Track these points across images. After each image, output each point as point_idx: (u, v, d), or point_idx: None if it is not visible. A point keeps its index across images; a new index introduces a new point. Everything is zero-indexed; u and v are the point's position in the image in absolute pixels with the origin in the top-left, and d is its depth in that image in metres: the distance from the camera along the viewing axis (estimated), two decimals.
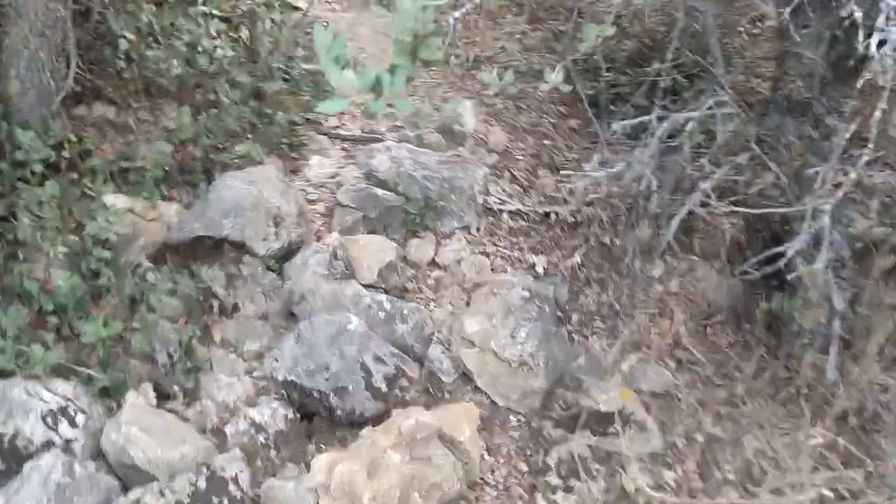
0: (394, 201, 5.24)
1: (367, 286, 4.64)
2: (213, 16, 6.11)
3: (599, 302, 5.00)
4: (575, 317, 4.91)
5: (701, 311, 4.90)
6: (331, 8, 8.08)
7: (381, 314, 4.46)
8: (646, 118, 4.32)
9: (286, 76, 5.88)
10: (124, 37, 5.18)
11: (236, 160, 5.15)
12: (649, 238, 5.05)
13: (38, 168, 4.46)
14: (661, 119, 4.65)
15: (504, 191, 5.74)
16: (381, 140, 5.98)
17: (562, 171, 5.94)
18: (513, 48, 7.19)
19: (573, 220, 5.45)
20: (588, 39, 2.40)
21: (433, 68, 7.28)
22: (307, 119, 5.96)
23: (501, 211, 5.54)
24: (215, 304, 4.46)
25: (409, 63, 2.01)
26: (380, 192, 5.23)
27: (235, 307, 4.50)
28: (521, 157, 6.10)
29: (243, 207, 4.64)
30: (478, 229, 5.41)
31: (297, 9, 7.62)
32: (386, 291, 4.69)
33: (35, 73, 4.65)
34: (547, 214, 5.54)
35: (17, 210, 4.31)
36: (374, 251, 4.80)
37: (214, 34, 5.80)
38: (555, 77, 2.57)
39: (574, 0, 7.50)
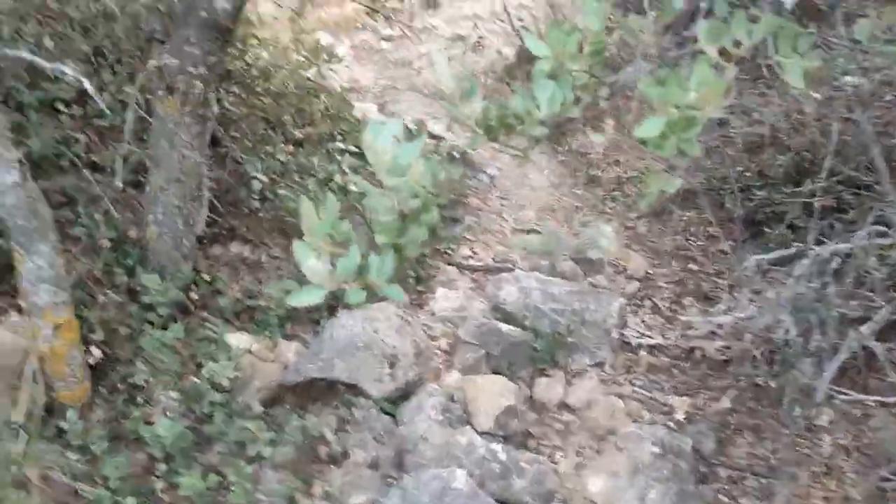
0: (520, 337, 4.92)
1: (483, 433, 4.29)
2: (348, 152, 6.24)
3: (752, 455, 4.34)
4: (722, 472, 4.28)
5: (878, 469, 4.12)
6: (469, 132, 8.09)
7: (496, 467, 4.08)
8: (788, 251, 3.78)
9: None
10: (257, 178, 5.33)
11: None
12: (811, 379, 4.37)
13: (165, 311, 4.56)
14: (818, 243, 4.10)
15: (643, 323, 5.28)
16: (511, 270, 5.74)
17: (710, 301, 5.40)
18: (657, 166, 6.80)
19: (722, 357, 4.86)
20: (648, 196, 2.05)
21: (576, 190, 7.03)
22: (437, 249, 5.84)
23: (640, 346, 5.07)
24: (324, 450, 4.28)
25: (397, 247, 1.74)
26: (505, 327, 4.93)
27: (345, 454, 4.28)
28: (663, 285, 5.62)
29: (356, 347, 4.50)
30: (613, 367, 4.96)
31: (436, 138, 7.71)
32: (505, 439, 4.32)
33: (171, 218, 4.84)
34: (692, 350, 4.99)
35: (140, 354, 4.39)
36: (493, 394, 4.47)
37: (347, 170, 5.89)
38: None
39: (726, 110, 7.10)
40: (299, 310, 5.08)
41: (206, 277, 5.05)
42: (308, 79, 7.23)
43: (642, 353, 5.02)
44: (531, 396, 4.76)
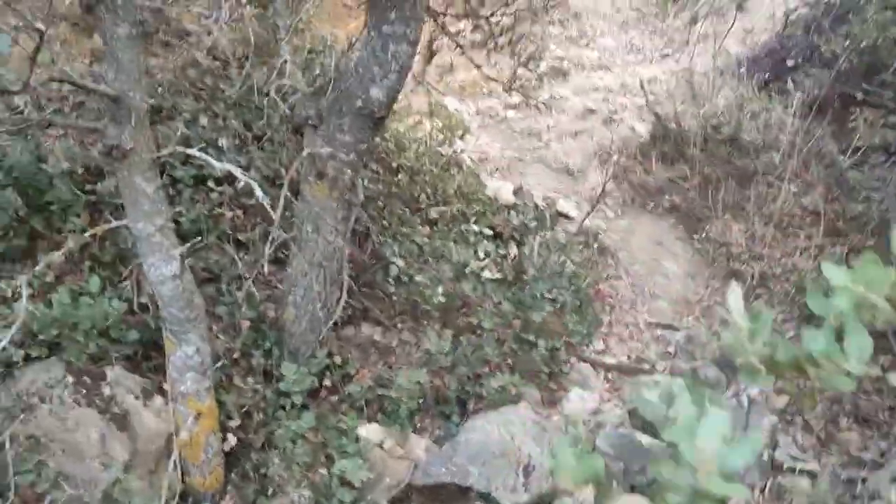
0: (660, 454, 4.60)
1: None
2: (483, 234, 6.13)
3: None
4: None
5: None
6: (605, 216, 7.88)
7: None
8: None
9: (550, 298, 5.63)
10: (394, 263, 5.28)
11: (494, 393, 4.89)
12: None
13: (299, 399, 4.51)
14: None
15: (796, 443, 4.86)
16: (650, 371, 5.45)
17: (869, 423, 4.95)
18: (805, 265, 6.40)
19: None
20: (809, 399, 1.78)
21: (713, 282, 6.69)
22: (568, 343, 5.62)
23: (793, 470, 4.66)
24: None
25: None
26: (644, 439, 4.64)
27: None
28: (818, 402, 5.19)
29: (491, 454, 4.31)
30: (762, 491, 4.57)
31: (567, 217, 7.52)
32: None
33: (309, 301, 4.82)
34: (851, 480, 4.55)
35: (273, 442, 4.34)
36: None
37: (482, 255, 5.77)
38: None
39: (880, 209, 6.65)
40: (428, 402, 4.95)
41: (338, 361, 5.00)
42: (441, 154, 7.22)
43: (796, 477, 4.63)
44: None
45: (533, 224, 6.75)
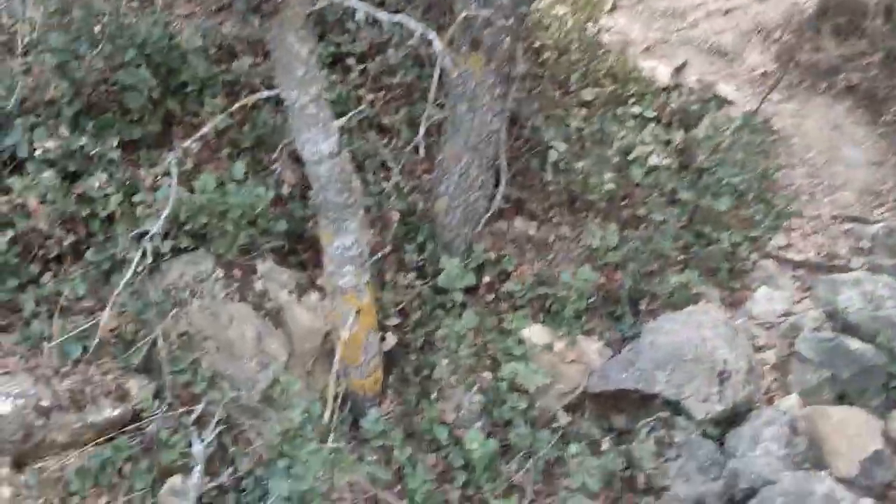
0: (873, 359, 3.99)
1: (845, 482, 3.46)
2: (644, 117, 5.46)
3: None
4: None
5: None
6: (770, 99, 7.00)
7: None
8: None
9: (726, 187, 4.94)
10: (553, 147, 4.70)
11: (670, 292, 4.34)
12: None
13: (459, 297, 4.09)
14: None
15: None
16: (845, 269, 4.76)
17: None
18: None
19: None
20: None
21: None
22: (749, 237, 4.95)
23: None
24: (641, 478, 3.64)
25: None
26: (853, 344, 4.02)
27: (664, 488, 3.62)
28: None
29: (683, 359, 3.79)
30: None
31: (728, 102, 6.72)
32: (873, 494, 3.46)
33: (464, 190, 4.34)
34: None
35: (435, 343, 3.95)
36: (853, 433, 3.61)
37: (648, 139, 5.12)
38: None
39: None
40: (597, 302, 4.45)
41: (493, 256, 4.54)
42: (585, 32, 6.50)
43: None
44: (887, 435, 3.84)
45: (695, 107, 6.00)
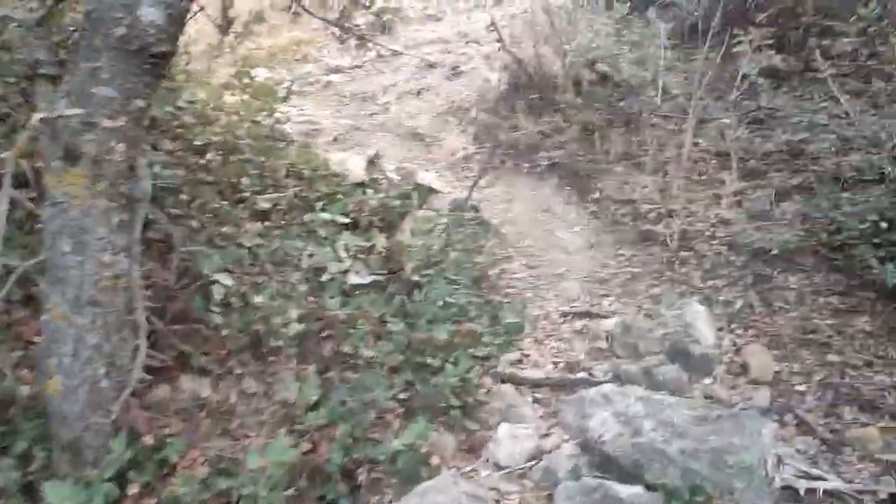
0: (645, 501, 3.22)
1: None
2: (336, 224, 4.46)
3: None
4: None
5: None
6: (470, 184, 6.42)
7: None
8: None
9: (444, 300, 4.07)
10: (218, 281, 3.51)
11: (394, 461, 3.28)
12: None
13: None
14: None
15: (799, 453, 3.64)
16: (589, 381, 4.06)
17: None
18: (731, 216, 5.25)
19: None
20: None
21: (622, 251, 5.41)
22: (477, 357, 4.09)
23: (811, 492, 3.42)
24: None
25: None
26: (622, 491, 3.22)
27: None
28: (803, 389, 4.02)
29: None
30: None
31: (433, 191, 6.00)
32: None
33: (84, 363, 2.98)
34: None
35: None
36: None
37: (343, 253, 4.11)
38: None
39: None
40: (300, 487, 3.27)
41: (150, 443, 3.19)
42: (258, 123, 5.48)
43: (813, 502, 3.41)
44: None
45: (396, 203, 5.16)
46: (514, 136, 6.73)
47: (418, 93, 7.96)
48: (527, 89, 6.97)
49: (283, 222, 4.53)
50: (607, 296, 5.05)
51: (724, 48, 6.35)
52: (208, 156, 4.60)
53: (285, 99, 5.69)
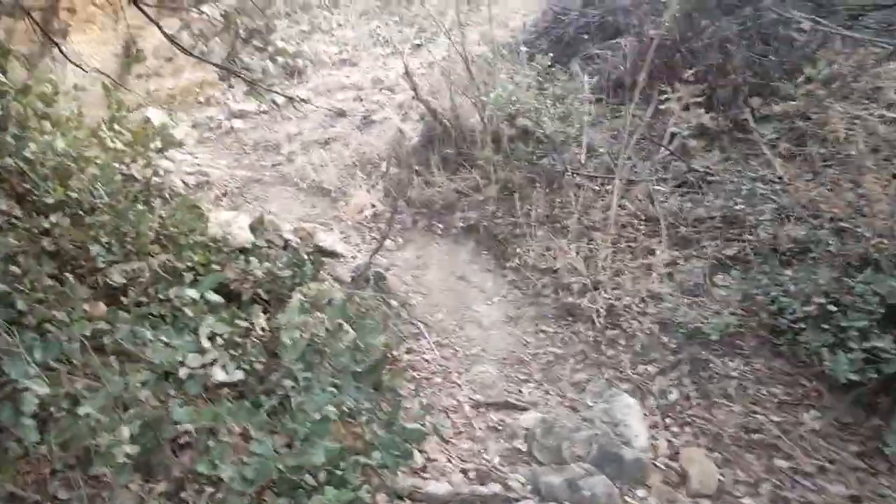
0: None
1: None
2: (206, 302, 3.72)
3: None
4: None
5: None
6: (385, 247, 5.76)
7: None
8: None
9: (327, 406, 3.35)
10: (29, 388, 2.73)
11: None
12: None
13: None
14: None
15: None
16: (504, 497, 3.40)
17: None
18: (661, 289, 4.73)
19: None
20: None
21: (545, 327, 4.83)
22: (362, 465, 3.37)
23: None
24: None
25: None
26: None
27: None
28: (751, 503, 3.45)
29: None
30: None
31: (333, 255, 5.33)
32: None
33: None
34: None
35: None
36: None
37: (206, 340, 3.37)
38: None
39: None
40: None
41: None
42: (131, 177, 4.75)
43: None
44: None
45: (286, 273, 4.45)
46: (428, 193, 6.12)
47: (326, 143, 7.31)
48: (442, 143, 6.40)
49: (142, 300, 3.78)
50: (527, 381, 4.43)
51: (651, 105, 5.92)
52: (54, 217, 3.82)
53: (172, 146, 5.01)
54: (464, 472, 3.61)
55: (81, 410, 2.80)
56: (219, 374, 3.30)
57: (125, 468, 2.74)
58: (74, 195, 4.13)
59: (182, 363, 3.23)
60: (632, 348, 4.47)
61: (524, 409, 4.10)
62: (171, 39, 4.22)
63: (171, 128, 8.31)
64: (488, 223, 5.75)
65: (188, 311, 3.68)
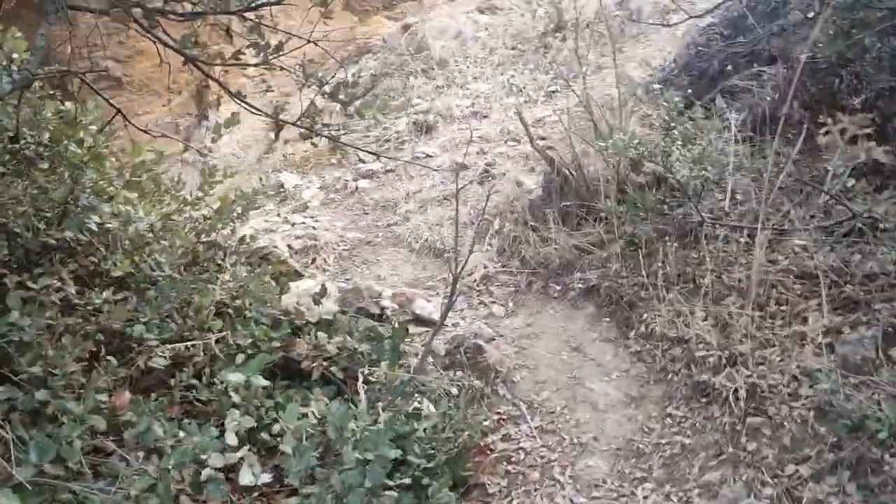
0: None
1: None
2: (248, 387, 3.28)
3: None
4: None
5: None
6: (489, 313, 5.17)
7: None
8: None
9: None
10: None
11: None
12: None
13: None
14: None
15: None
16: None
17: None
18: (818, 363, 3.79)
19: None
20: None
21: (674, 409, 4.03)
22: None
23: None
24: None
25: None
26: None
27: None
28: None
29: None
30: None
31: (430, 323, 4.80)
32: None
33: None
34: None
35: None
36: None
37: (233, 436, 2.91)
38: None
39: None
40: None
41: None
42: (215, 244, 4.49)
43: None
44: None
45: (364, 349, 3.97)
46: (544, 251, 5.48)
47: (444, 200, 6.87)
48: (563, 195, 5.75)
49: (193, 383, 3.42)
50: (644, 481, 3.64)
51: (802, 139, 4.99)
52: (105, 294, 3.56)
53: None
54: None
55: None
56: (245, 477, 2.82)
57: None
58: (144, 267, 3.89)
59: (202, 465, 2.78)
60: (779, 441, 3.57)
61: None
62: (240, 100, 3.90)
63: (304, 195, 8.24)
64: (610, 283, 5.00)
65: (235, 397, 3.24)
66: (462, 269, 4.29)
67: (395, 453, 2.93)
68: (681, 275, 4.80)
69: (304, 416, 3.07)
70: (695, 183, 5.23)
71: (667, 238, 5.07)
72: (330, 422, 3.02)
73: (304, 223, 6.98)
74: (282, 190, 8.42)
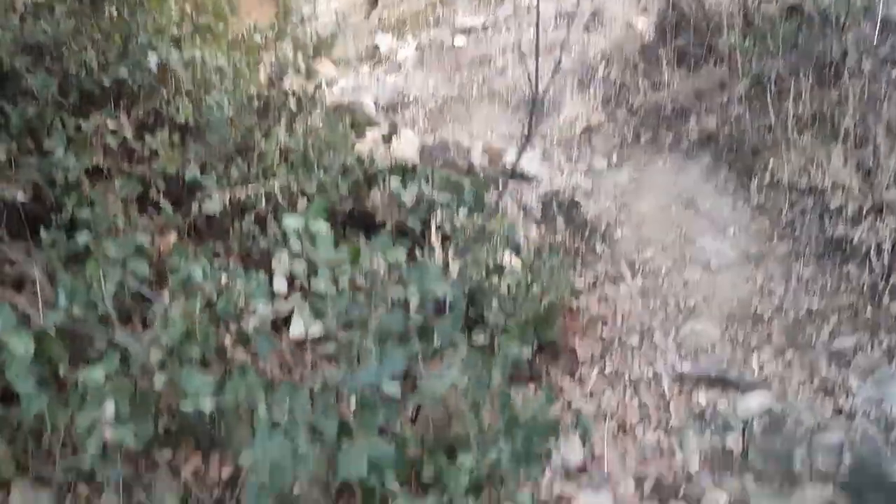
0: None
1: None
2: (308, 235, 2.96)
3: None
4: None
5: None
6: (589, 166, 4.65)
7: None
8: None
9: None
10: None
11: None
12: None
13: None
14: None
15: None
16: None
17: None
18: None
19: None
20: None
21: (801, 269, 3.46)
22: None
23: None
24: None
25: None
26: None
27: None
28: None
29: None
30: None
31: (526, 178, 4.35)
32: None
33: None
34: None
35: None
36: None
37: (283, 283, 2.61)
38: None
39: None
40: None
41: None
42: (287, 93, 4.13)
43: None
44: None
45: (444, 199, 3.56)
46: (655, 98, 4.84)
47: (548, 50, 6.23)
48: (678, 33, 5.03)
49: (249, 232, 3.14)
50: (761, 347, 3.14)
51: None
52: (160, 136, 3.28)
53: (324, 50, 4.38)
54: (638, 480, 2.50)
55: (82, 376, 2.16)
56: (296, 328, 2.54)
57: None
58: (205, 111, 3.60)
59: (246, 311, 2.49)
60: None
61: (748, 390, 2.84)
62: None
63: (398, 56, 7.78)
64: (731, 129, 4.35)
65: (295, 245, 2.93)
66: (541, 89, 3.77)
67: (442, 289, 2.52)
68: (816, 116, 4.10)
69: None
70: (837, 11, 4.42)
71: (801, 74, 4.33)
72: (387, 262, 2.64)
73: (395, 83, 6.57)
74: (377, 50, 8.02)
